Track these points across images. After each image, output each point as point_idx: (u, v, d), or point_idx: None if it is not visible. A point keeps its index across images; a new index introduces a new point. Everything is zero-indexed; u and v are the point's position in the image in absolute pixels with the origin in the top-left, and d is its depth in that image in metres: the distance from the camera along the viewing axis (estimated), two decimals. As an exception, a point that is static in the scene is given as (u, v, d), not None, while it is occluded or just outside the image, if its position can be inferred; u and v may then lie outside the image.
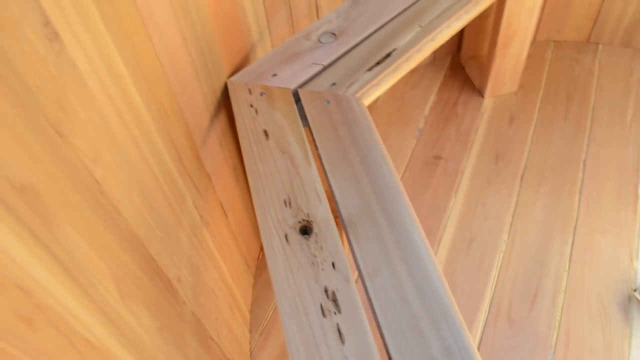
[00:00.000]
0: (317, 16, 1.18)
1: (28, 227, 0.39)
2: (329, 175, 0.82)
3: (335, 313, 0.68)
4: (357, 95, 0.93)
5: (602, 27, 1.69)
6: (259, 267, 1.29)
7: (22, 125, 0.41)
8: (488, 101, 1.58)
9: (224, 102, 0.98)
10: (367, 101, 0.94)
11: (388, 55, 0.99)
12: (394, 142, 1.48)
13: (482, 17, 1.52)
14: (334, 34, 1.03)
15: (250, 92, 0.94)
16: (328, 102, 0.91)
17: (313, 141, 0.87)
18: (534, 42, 1.73)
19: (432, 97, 1.60)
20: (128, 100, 0.65)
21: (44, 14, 0.48)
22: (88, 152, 0.53)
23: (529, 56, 1.66)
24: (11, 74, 0.41)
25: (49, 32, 0.49)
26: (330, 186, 0.81)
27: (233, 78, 0.97)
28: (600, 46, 1.73)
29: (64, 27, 0.51)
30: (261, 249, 1.32)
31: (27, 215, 0.39)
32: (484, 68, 1.54)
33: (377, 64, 0.97)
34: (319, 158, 0.85)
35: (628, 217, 1.31)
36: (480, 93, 1.59)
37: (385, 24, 1.05)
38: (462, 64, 1.68)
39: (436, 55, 1.71)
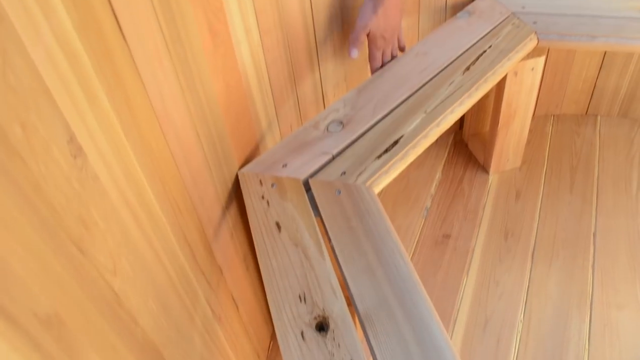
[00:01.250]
0: (324, 105, 1.21)
1: (54, 361, 0.38)
2: (342, 267, 0.81)
3: (357, 417, 0.65)
4: (368, 183, 0.93)
5: (599, 99, 1.73)
6: (269, 357, 1.25)
7: (49, 252, 0.41)
8: (493, 177, 1.59)
9: (235, 194, 0.98)
10: (377, 189, 0.94)
11: (396, 142, 1.00)
12: (402, 222, 1.48)
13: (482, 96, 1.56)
14: (341, 123, 1.05)
15: (261, 183, 0.95)
16: (339, 191, 0.92)
17: (325, 232, 0.87)
18: (534, 116, 1.76)
19: (438, 175, 1.61)
20: (145, 203, 0.66)
21: (68, 130, 0.49)
22: (108, 265, 0.52)
23: (530, 130, 1.69)
24: (39, 199, 0.42)
25: (73, 148, 0.50)
26: (344, 279, 0.80)
27: (244, 169, 0.98)
28: (599, 118, 1.76)
29: (87, 141, 0.52)
30: (271, 338, 1.29)
31: (53, 348, 0.38)
32: (487, 145, 1.56)
33: (386, 151, 0.99)
34: (332, 250, 0.84)
35: (643, 289, 1.29)
36: (484, 169, 1.61)
37: (391, 111, 1.07)
38: (465, 141, 1.70)
39: (438, 133, 1.74)
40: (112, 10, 0.60)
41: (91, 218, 0.51)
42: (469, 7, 1.39)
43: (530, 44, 1.27)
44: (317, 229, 0.87)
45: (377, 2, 1.10)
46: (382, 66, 1.21)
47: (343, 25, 1.18)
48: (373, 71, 1.21)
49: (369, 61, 1.20)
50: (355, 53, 1.13)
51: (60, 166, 0.46)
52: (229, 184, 0.96)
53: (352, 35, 1.12)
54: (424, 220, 1.49)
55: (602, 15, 1.33)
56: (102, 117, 0.56)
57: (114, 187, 0.57)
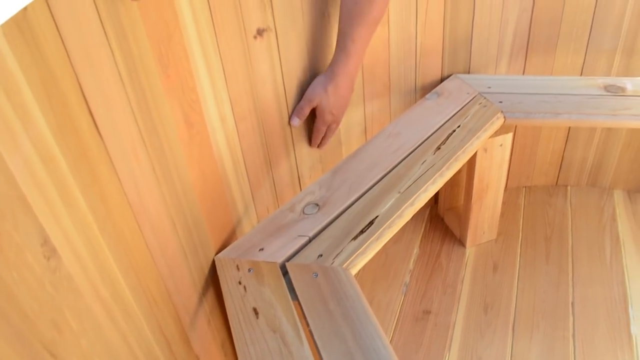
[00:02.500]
0: (300, 187, 1.23)
1: None
2: (322, 353, 0.80)
3: None
4: (344, 265, 0.94)
5: (567, 171, 1.79)
6: None
7: (19, 362, 0.41)
8: (470, 250, 1.61)
9: (212, 279, 0.98)
10: (354, 270, 0.95)
11: (371, 223, 1.02)
12: (382, 299, 1.47)
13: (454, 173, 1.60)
14: (317, 205, 1.07)
15: (238, 268, 0.95)
16: (316, 274, 0.92)
17: (303, 317, 0.86)
18: (506, 189, 1.80)
19: (415, 250, 1.63)
20: (119, 298, 0.65)
21: (42, 233, 0.50)
22: (80, 368, 0.52)
23: (504, 203, 1.72)
24: (11, 307, 0.42)
25: (46, 250, 0.50)
26: (324, 365, 0.79)
27: (220, 255, 0.99)
28: (569, 188, 1.81)
29: (62, 242, 0.53)
30: None
31: None
32: (463, 219, 1.59)
33: (361, 232, 1.00)
34: (310, 334, 0.84)
35: (625, 358, 1.29)
36: (461, 243, 1.63)
37: (366, 192, 1.09)
38: (440, 215, 1.73)
39: (414, 207, 1.77)
40: (89, 109, 0.62)
41: (64, 320, 0.50)
42: (438, 88, 1.45)
43: (497, 122, 1.32)
44: (295, 313, 0.86)
45: (327, 79, 1.13)
46: (322, 139, 1.24)
47: (316, 108, 1.22)
48: (314, 144, 1.25)
49: (313, 132, 1.22)
50: (296, 122, 1.16)
51: (33, 271, 0.47)
52: (206, 270, 0.96)
53: (298, 105, 1.16)
54: (403, 296, 1.48)
55: (563, 93, 1.40)
56: (77, 217, 0.56)
57: (88, 285, 0.57)
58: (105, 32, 0.66)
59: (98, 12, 0.64)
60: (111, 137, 0.67)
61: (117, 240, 0.66)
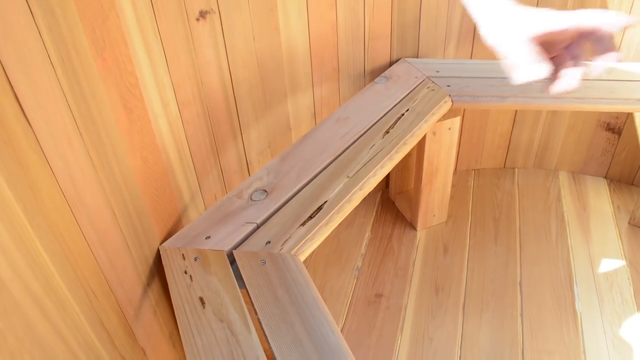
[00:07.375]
0: (249, 173, 1.21)
1: None
2: (270, 341, 0.79)
3: None
4: (293, 252, 0.93)
5: (514, 153, 1.82)
6: None
7: None
8: (421, 233, 1.62)
9: (157, 269, 0.95)
10: (303, 256, 0.94)
11: (320, 208, 1.01)
12: (335, 284, 1.47)
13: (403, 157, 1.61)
14: (265, 191, 1.05)
15: (184, 257, 0.93)
16: (264, 261, 0.91)
17: (252, 304, 0.85)
18: (455, 172, 1.83)
19: (367, 234, 1.63)
20: (53, 293, 0.63)
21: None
22: (7, 367, 0.49)
23: (453, 186, 1.75)
24: None
25: (-35, 244, 0.47)
26: (272, 353, 0.78)
27: (166, 244, 0.96)
28: (516, 170, 1.85)
29: (-17, 235, 0.50)
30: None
31: None
32: (413, 202, 1.60)
33: (310, 217, 0.99)
34: (259, 322, 0.83)
35: (570, 334, 1.33)
36: (412, 226, 1.64)
37: (315, 177, 1.08)
38: (391, 199, 1.74)
39: (367, 191, 1.77)
40: (15, 94, 0.59)
41: (-13, 318, 0.48)
42: (387, 72, 1.45)
43: (445, 106, 1.33)
44: (243, 302, 0.85)
45: None
46: None
47: (264, 94, 1.20)
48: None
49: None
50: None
51: (-51, 267, 0.44)
52: (150, 260, 0.93)
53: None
54: (355, 280, 1.49)
55: (509, 77, 1.42)
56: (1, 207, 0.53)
57: (15, 279, 0.54)
58: (31, 12, 0.62)
59: (23, -10, 0.60)
60: (41, 123, 0.63)
61: (50, 232, 0.63)
